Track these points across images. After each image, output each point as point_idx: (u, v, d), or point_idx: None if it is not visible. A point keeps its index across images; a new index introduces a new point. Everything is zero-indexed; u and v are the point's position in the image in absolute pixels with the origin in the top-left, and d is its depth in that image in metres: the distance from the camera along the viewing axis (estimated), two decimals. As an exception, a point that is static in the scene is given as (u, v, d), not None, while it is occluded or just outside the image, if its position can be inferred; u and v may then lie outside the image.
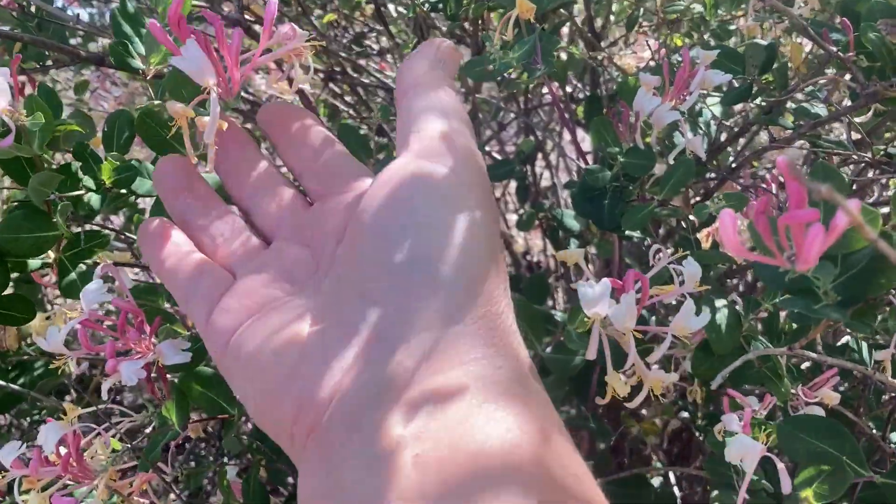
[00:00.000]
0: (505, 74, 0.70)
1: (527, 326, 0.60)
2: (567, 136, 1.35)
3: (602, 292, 0.46)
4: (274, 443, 0.65)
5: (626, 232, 0.70)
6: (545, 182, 1.36)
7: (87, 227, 0.61)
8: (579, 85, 1.26)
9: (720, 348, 0.65)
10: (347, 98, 1.21)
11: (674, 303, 1.08)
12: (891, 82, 0.52)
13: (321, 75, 1.05)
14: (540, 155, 1.16)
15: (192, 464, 0.92)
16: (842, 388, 0.92)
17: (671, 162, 0.67)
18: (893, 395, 0.84)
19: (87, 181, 0.58)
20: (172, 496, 0.75)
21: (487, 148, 1.23)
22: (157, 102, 0.65)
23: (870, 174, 0.77)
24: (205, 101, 0.43)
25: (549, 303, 1.05)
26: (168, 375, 0.57)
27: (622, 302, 0.46)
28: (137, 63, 0.64)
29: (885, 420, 0.80)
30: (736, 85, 0.78)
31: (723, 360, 0.69)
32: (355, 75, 1.14)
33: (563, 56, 0.89)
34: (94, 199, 0.59)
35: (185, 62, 0.42)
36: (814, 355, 0.45)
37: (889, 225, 0.41)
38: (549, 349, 0.66)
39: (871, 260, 0.38)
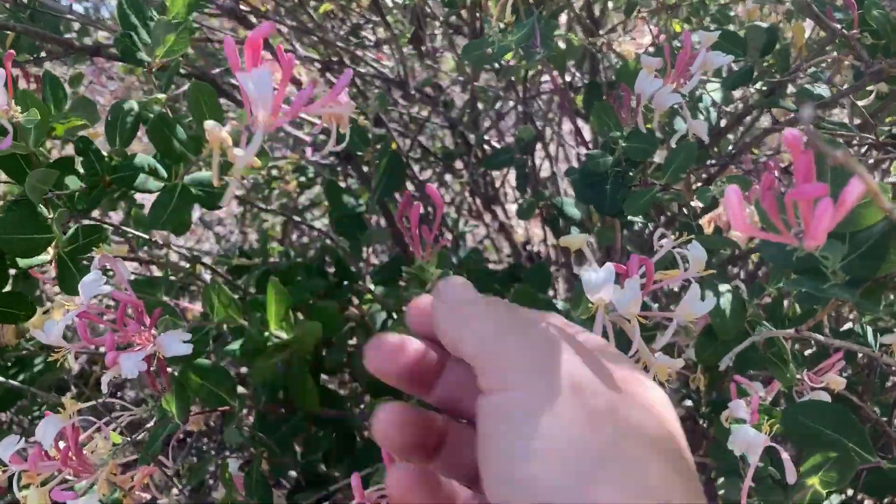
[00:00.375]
0: (503, 62, 0.69)
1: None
2: (566, 125, 1.34)
3: (606, 278, 0.45)
4: (276, 435, 0.64)
5: (629, 217, 0.69)
6: (545, 172, 1.35)
7: (85, 221, 0.61)
8: (578, 74, 1.25)
9: (724, 333, 0.65)
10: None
11: (672, 288, 1.07)
12: (896, 60, 0.51)
13: (318, 65, 1.04)
14: (540, 145, 1.16)
15: (195, 458, 0.91)
16: (846, 374, 0.92)
17: (673, 146, 0.67)
18: (898, 379, 0.83)
19: (85, 180, 0.57)
20: (175, 490, 0.74)
21: (486, 137, 1.22)
22: (160, 96, 0.64)
23: (872, 156, 0.77)
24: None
25: (550, 293, 1.04)
26: (168, 368, 0.57)
27: (626, 287, 0.45)
28: (143, 55, 0.63)
29: (892, 405, 0.79)
30: (736, 69, 0.77)
31: (727, 345, 0.68)
32: (353, 67, 1.13)
33: (562, 44, 0.88)
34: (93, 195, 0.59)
35: (255, 85, 0.38)
36: (821, 337, 0.45)
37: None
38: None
39: (882, 236, 0.37)
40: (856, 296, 0.38)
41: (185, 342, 0.49)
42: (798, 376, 0.70)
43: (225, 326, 0.62)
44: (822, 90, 0.66)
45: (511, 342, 0.32)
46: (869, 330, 0.79)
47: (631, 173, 0.69)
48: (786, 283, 0.55)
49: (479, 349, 0.33)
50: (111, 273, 0.57)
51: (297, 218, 1.19)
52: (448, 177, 1.41)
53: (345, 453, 0.67)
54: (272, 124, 0.44)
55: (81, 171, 0.57)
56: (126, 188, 0.58)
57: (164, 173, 0.61)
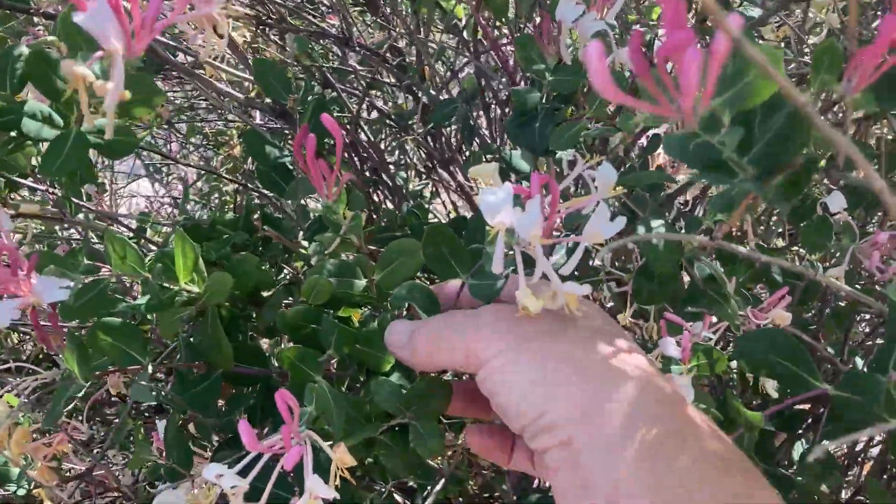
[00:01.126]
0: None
1: (452, 257, 0.56)
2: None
3: (504, 198, 0.42)
4: (191, 393, 0.61)
5: (558, 154, 0.66)
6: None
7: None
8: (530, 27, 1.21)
9: (660, 267, 0.62)
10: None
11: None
12: (816, -36, 0.48)
13: (254, 21, 1.01)
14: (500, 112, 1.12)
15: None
16: (804, 315, 0.90)
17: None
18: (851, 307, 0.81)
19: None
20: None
21: (433, 92, 1.18)
22: (50, 39, 0.61)
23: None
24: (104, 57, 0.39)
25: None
26: (66, 325, 0.54)
27: (527, 208, 0.42)
28: (26, -6, 0.60)
29: (842, 343, 0.77)
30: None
31: (664, 282, 0.66)
32: (296, 25, 1.09)
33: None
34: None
35: (92, 22, 0.36)
36: (742, 249, 0.41)
37: (810, 92, 0.38)
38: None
39: (786, 119, 0.34)
40: (767, 189, 0.35)
41: (63, 288, 0.46)
42: (741, 313, 0.68)
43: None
44: (755, 13, 0.63)
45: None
46: (820, 267, 0.77)
47: (561, 109, 0.66)
48: (691, 178, 0.52)
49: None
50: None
51: (243, 181, 1.16)
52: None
53: (270, 411, 0.64)
54: (135, 49, 0.41)
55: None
56: (14, 134, 0.54)
57: (59, 121, 0.57)
